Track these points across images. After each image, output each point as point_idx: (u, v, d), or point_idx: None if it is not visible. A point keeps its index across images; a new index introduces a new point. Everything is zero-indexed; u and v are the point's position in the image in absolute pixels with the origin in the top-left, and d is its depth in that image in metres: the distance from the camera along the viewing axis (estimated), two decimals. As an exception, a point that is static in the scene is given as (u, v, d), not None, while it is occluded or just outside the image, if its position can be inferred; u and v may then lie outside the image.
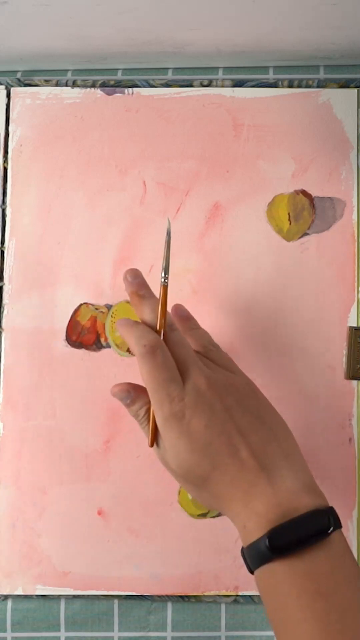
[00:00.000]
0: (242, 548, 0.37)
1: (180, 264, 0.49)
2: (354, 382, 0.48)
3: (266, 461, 0.37)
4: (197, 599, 0.47)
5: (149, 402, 0.40)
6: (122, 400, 0.41)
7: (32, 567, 0.47)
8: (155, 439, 0.39)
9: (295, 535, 0.34)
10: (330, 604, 0.33)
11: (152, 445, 0.39)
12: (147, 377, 0.38)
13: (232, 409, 0.39)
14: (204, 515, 0.47)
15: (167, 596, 0.47)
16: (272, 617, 0.35)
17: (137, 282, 0.41)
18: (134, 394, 0.40)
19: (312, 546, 0.34)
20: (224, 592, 0.47)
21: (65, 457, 0.48)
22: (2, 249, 0.49)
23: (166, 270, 0.41)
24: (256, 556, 0.35)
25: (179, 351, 0.39)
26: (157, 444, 0.39)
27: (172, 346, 0.39)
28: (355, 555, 0.46)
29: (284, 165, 0.49)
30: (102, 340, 0.48)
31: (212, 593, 0.47)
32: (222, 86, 0.49)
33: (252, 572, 0.37)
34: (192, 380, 0.39)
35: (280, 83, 0.49)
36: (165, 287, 0.40)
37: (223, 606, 0.47)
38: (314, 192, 0.49)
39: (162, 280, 0.41)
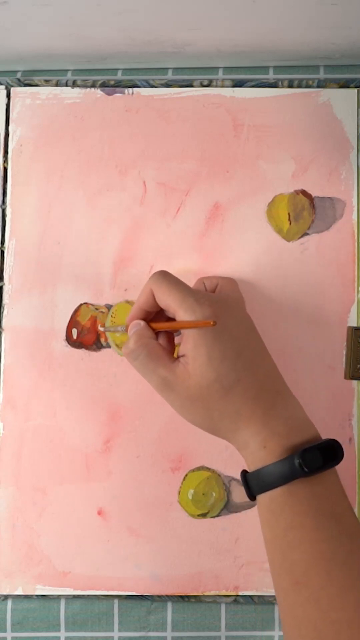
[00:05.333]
0: (252, 471, 0.38)
1: (180, 264, 0.49)
2: (354, 382, 0.48)
3: (279, 387, 0.40)
4: (197, 599, 0.47)
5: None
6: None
7: (32, 567, 0.47)
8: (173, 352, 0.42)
9: (320, 458, 0.37)
10: (342, 525, 0.36)
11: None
12: (170, 292, 0.40)
13: (254, 330, 0.42)
14: (204, 515, 0.47)
15: (167, 596, 0.47)
16: (280, 541, 0.37)
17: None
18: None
19: (328, 470, 0.37)
20: (224, 592, 0.47)
21: (65, 457, 0.48)
22: (2, 249, 0.49)
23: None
24: (278, 475, 0.37)
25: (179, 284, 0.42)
26: (178, 358, 0.40)
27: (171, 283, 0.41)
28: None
29: (284, 165, 0.49)
30: (102, 340, 0.48)
31: (212, 593, 0.47)
32: (222, 86, 0.49)
33: (254, 497, 0.39)
34: (220, 288, 0.44)
35: (280, 83, 0.49)
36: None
37: (223, 606, 0.47)
38: (314, 192, 0.49)
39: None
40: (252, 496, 0.39)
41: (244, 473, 0.39)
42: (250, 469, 0.39)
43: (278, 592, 0.37)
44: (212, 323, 0.38)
